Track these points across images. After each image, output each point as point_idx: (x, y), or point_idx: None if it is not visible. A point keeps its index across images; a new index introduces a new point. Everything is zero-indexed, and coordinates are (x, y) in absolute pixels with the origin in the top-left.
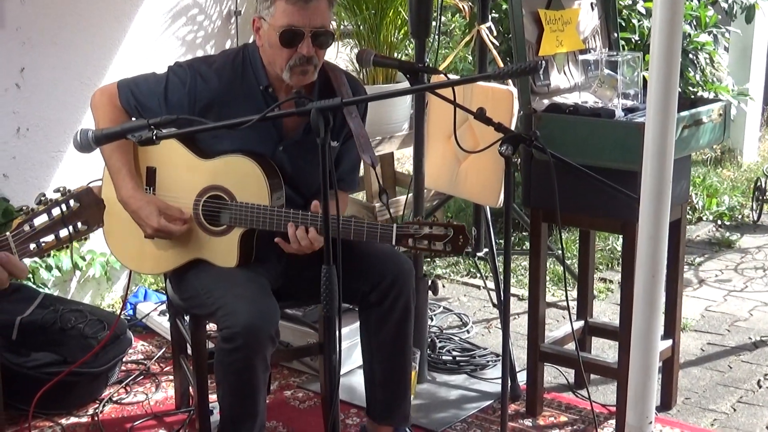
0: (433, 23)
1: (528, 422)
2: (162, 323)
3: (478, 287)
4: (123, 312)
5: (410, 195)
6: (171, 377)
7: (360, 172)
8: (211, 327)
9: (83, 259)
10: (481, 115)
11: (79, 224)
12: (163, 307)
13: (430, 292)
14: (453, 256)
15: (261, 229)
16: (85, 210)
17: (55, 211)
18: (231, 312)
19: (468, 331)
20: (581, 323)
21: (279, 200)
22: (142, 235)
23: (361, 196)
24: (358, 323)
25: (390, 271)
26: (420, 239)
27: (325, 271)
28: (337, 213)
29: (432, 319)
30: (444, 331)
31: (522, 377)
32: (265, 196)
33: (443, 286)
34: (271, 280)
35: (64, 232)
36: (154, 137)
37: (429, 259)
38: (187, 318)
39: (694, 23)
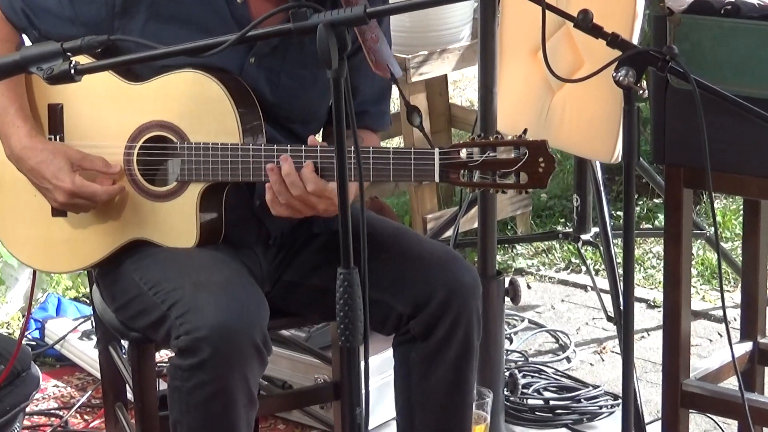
0: None
1: None
2: (86, 351)
3: (584, 288)
4: (25, 335)
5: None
6: None
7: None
8: (163, 356)
9: None
10: (585, 22)
11: None
12: (88, 325)
13: (507, 299)
14: (532, 190)
15: (231, 182)
16: None
17: None
18: (191, 308)
19: (568, 359)
20: (748, 345)
21: (258, 141)
22: (48, 210)
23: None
24: (390, 349)
25: (442, 284)
26: (478, 169)
27: (343, 276)
28: (354, 143)
29: (511, 341)
30: (530, 360)
31: (655, 431)
32: (234, 130)
33: (528, 287)
34: (255, 277)
35: None
36: (73, 71)
37: (506, 246)
38: (126, 343)
39: None
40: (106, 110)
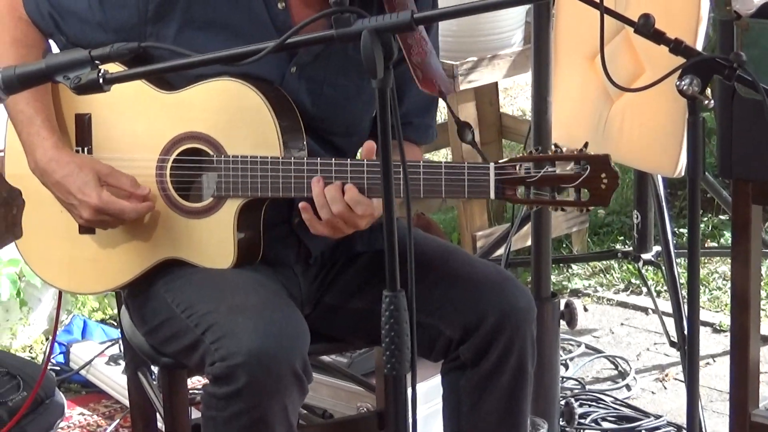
0: None
1: None
2: (113, 377)
3: (645, 310)
4: (49, 360)
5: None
6: None
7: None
8: (196, 383)
9: None
10: (646, 27)
11: None
12: (116, 349)
13: (562, 323)
14: (593, 207)
15: (272, 198)
16: None
17: None
18: (227, 333)
19: (628, 387)
20: None
21: (299, 155)
22: (75, 227)
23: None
24: (438, 376)
25: (494, 307)
26: (536, 185)
27: (389, 299)
28: (401, 158)
29: (567, 367)
30: (587, 387)
31: None
32: (274, 142)
33: (585, 310)
34: (294, 300)
35: None
36: (102, 80)
37: (561, 265)
38: (156, 369)
39: None
40: (138, 120)
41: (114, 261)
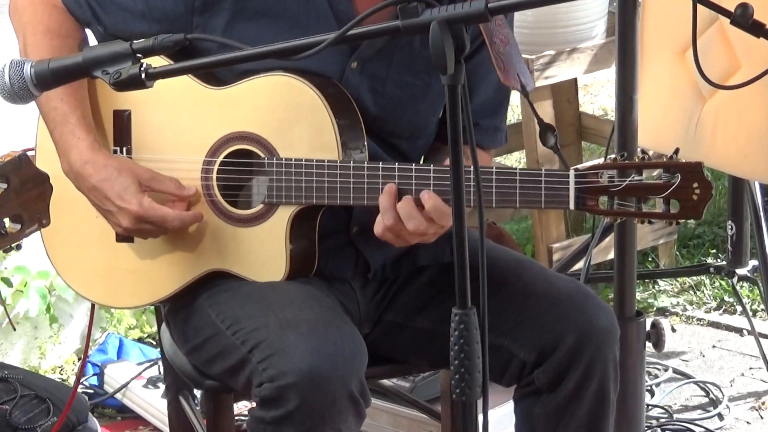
0: None
1: None
2: (152, 402)
3: (740, 331)
4: (81, 381)
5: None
6: None
7: (509, 113)
8: (242, 408)
9: (8, 283)
10: (744, 18)
11: (8, 222)
12: (155, 371)
13: (648, 344)
14: (684, 221)
15: (328, 205)
16: (17, 195)
17: None
18: (276, 351)
19: (721, 416)
20: None
21: (359, 158)
22: (112, 235)
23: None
24: (511, 402)
25: (572, 327)
26: (620, 195)
27: (459, 317)
28: (474, 166)
29: (653, 394)
30: (675, 416)
31: None
32: (332, 144)
33: (673, 330)
34: (351, 317)
35: None
36: (144, 76)
37: (646, 281)
38: (199, 392)
39: None
40: (182, 118)
41: (154, 273)
